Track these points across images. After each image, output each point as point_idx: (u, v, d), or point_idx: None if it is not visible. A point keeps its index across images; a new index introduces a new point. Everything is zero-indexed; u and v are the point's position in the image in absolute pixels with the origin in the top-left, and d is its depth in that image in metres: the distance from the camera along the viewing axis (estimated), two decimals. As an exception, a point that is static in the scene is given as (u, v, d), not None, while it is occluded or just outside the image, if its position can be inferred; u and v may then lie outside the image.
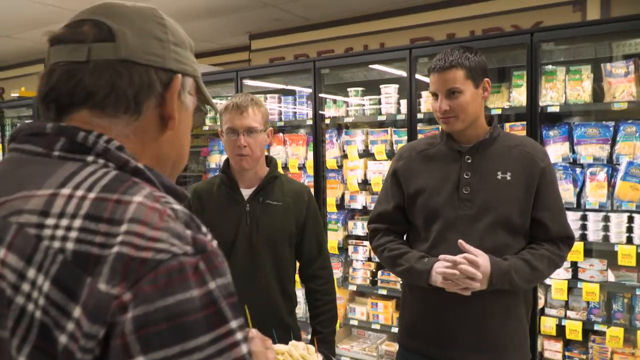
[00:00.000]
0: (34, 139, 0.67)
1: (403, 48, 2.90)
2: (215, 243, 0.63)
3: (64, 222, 0.57)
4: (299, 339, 2.00)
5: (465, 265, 1.57)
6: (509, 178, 1.71)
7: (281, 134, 3.77)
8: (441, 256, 1.62)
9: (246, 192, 1.92)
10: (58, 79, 0.69)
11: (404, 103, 3.13)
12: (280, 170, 3.50)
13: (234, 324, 0.58)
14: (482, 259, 1.59)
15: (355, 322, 3.47)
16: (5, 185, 0.63)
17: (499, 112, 2.79)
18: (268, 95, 3.79)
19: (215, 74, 3.79)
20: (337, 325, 3.50)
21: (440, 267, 1.62)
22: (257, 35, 4.82)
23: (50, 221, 0.57)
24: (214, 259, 0.60)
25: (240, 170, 1.91)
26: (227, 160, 1.97)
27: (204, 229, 0.64)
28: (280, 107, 3.75)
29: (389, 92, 3.25)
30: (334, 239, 3.45)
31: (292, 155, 3.67)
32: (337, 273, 3.52)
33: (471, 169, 1.74)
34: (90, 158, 0.65)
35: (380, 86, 3.27)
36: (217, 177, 2.01)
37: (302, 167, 3.60)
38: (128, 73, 0.69)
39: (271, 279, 1.91)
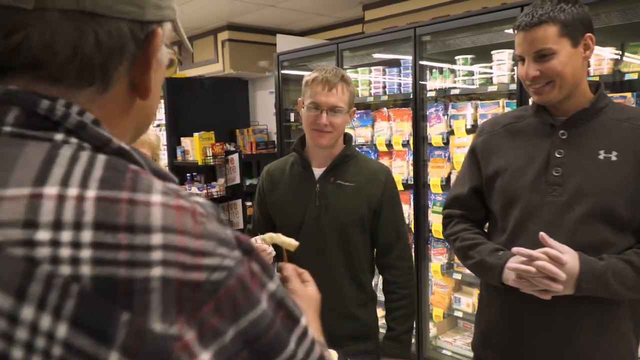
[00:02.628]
0: None
1: (512, 6, 2.49)
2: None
3: (67, 236, 0.41)
4: (374, 335, 1.86)
5: (544, 262, 1.26)
6: (614, 159, 1.34)
7: (385, 109, 3.54)
8: (514, 249, 1.33)
9: (318, 172, 1.81)
10: None
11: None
12: (384, 147, 3.43)
13: (303, 320, 0.52)
14: (569, 256, 1.27)
15: (460, 314, 3.18)
16: None
17: (635, 76, 2.27)
18: (372, 68, 3.58)
19: (315, 47, 3.67)
20: (441, 315, 3.27)
21: (514, 262, 1.33)
22: (371, 5, 4.58)
23: (44, 236, 0.41)
24: (260, 254, 0.51)
25: (317, 146, 1.78)
26: (300, 137, 1.88)
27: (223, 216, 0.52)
28: (385, 79, 3.52)
29: (502, 58, 2.85)
30: (438, 223, 3.17)
31: (397, 131, 3.44)
32: (442, 259, 3.25)
33: (565, 146, 1.40)
34: (59, 137, 0.48)
35: (492, 52, 2.88)
36: (291, 155, 1.92)
37: (406, 144, 3.36)
38: (94, 32, 0.50)
39: (339, 264, 1.76)
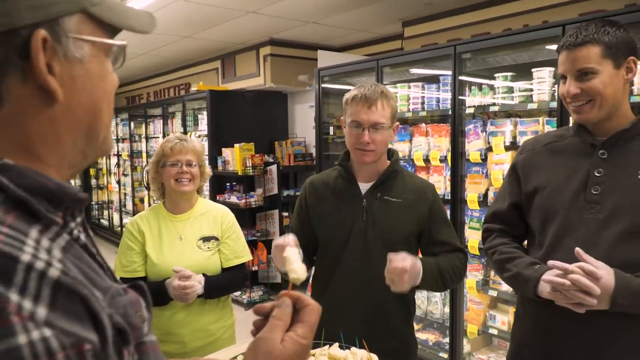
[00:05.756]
0: None
1: (554, 25, 2.51)
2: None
3: None
4: (414, 352, 1.85)
5: (578, 276, 1.29)
6: None
7: (423, 125, 3.58)
8: (550, 262, 1.36)
9: (364, 187, 1.80)
10: None
11: (558, 88, 2.73)
12: (421, 162, 3.47)
13: None
14: (604, 271, 1.30)
15: (495, 332, 3.17)
16: None
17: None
18: (412, 84, 3.63)
19: (355, 63, 3.74)
20: (476, 331, 3.25)
21: (550, 274, 1.36)
22: (410, 22, 4.64)
23: None
24: None
25: (361, 164, 1.79)
26: (346, 152, 1.87)
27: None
28: (423, 95, 3.56)
29: (542, 76, 2.86)
30: (474, 239, 3.17)
31: (434, 147, 3.47)
32: (477, 275, 3.25)
33: (605, 165, 1.43)
34: None
35: (532, 70, 2.89)
36: (335, 169, 1.91)
37: (444, 160, 3.39)
38: None
39: (384, 280, 1.69)
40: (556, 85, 2.79)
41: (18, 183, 0.53)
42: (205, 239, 2.07)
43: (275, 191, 5.31)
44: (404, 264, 1.52)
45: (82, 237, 0.60)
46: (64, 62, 0.57)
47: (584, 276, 1.28)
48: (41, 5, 0.54)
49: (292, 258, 0.86)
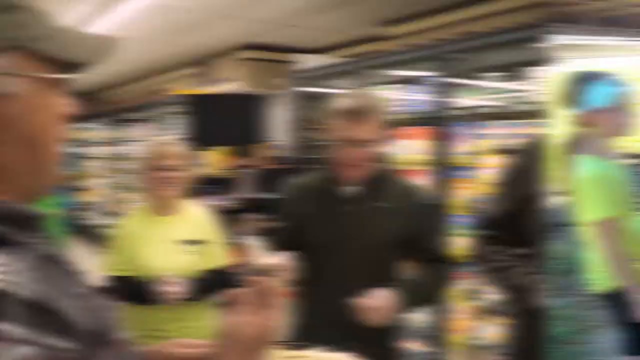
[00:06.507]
0: None
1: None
2: None
3: None
4: None
5: None
6: None
7: (406, 127, 3.48)
8: None
9: (349, 190, 1.71)
10: None
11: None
12: (402, 166, 3.36)
13: None
14: None
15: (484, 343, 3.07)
16: None
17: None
18: (394, 85, 3.54)
19: (335, 65, 3.65)
20: (461, 341, 3.14)
21: None
22: (392, 22, 4.58)
23: None
24: None
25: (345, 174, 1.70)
26: (329, 155, 1.77)
27: None
28: (407, 97, 3.47)
29: (534, 76, 2.76)
30: (460, 245, 3.07)
31: (417, 150, 3.37)
32: (464, 284, 3.13)
33: None
34: None
35: (523, 69, 2.80)
36: (318, 172, 1.84)
37: (428, 163, 3.29)
38: None
39: (365, 286, 1.63)
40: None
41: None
42: (190, 242, 2.13)
43: (253, 194, 5.26)
44: (370, 303, 1.54)
45: (47, 249, 0.61)
46: None
47: None
48: None
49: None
